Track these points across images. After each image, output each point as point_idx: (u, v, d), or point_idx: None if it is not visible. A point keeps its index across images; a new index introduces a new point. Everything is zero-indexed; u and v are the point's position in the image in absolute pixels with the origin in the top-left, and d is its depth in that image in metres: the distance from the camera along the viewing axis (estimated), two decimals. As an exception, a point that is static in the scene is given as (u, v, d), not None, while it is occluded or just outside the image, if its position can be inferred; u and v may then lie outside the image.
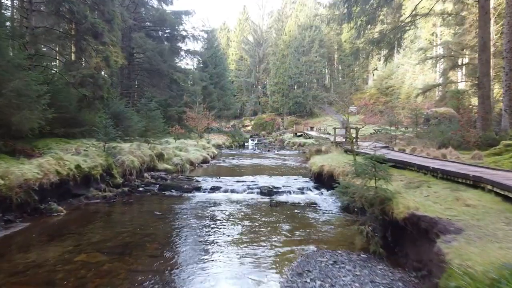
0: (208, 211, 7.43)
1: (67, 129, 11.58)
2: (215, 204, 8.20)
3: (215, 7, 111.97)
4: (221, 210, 7.49)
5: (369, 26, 12.38)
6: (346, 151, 12.49)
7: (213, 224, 6.44)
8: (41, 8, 11.44)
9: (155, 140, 17.04)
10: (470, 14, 22.08)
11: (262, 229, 6.10)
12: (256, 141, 41.75)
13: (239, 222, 6.55)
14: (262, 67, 56.28)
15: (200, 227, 6.23)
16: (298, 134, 36.31)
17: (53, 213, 6.91)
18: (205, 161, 16.54)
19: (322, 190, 9.86)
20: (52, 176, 7.12)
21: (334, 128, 17.92)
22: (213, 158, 19.35)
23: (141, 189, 9.87)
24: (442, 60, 26.31)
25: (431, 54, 33.68)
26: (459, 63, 24.30)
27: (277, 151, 27.33)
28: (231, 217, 6.96)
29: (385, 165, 4.87)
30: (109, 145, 10.26)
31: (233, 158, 19.60)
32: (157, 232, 5.88)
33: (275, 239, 5.53)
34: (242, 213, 7.27)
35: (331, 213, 7.38)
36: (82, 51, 11.77)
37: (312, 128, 36.40)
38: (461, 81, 22.87)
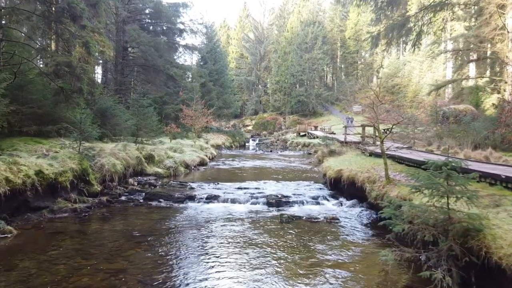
0: (200, 233, 5.77)
1: (40, 127, 9.95)
2: (210, 220, 6.54)
3: (215, 4, 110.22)
4: (217, 233, 5.82)
5: (390, 8, 10.78)
6: (363, 152, 10.84)
7: (205, 256, 4.78)
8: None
9: (148, 140, 15.41)
10: (489, 4, 20.45)
11: (273, 266, 4.45)
12: (257, 141, 40.07)
13: (240, 254, 4.87)
14: (263, 65, 54.64)
15: (187, 261, 4.57)
16: (302, 134, 34.66)
17: (-1, 235, 5.26)
18: (202, 163, 14.90)
19: (341, 199, 8.22)
20: (-2, 186, 5.48)
21: (345, 127, 16.26)
22: (212, 159, 17.71)
23: (123, 198, 8.23)
24: (455, 55, 24.66)
25: (439, 50, 32.02)
26: (476, 58, 22.65)
27: (280, 151, 25.69)
28: (230, 243, 5.27)
29: (465, 178, 3.22)
30: (86, 146, 8.62)
31: (233, 160, 17.95)
32: (129, 268, 4.23)
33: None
34: (245, 236, 5.59)
35: (361, 236, 5.73)
36: (59, 36, 10.14)
37: (316, 128, 34.74)
38: (480, 77, 21.17)
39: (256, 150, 26.93)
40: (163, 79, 25.81)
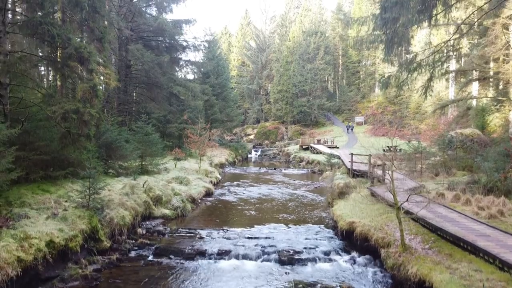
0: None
1: (47, 172, 9.84)
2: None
3: (216, 11, 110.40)
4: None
5: (400, 49, 10.72)
6: (373, 195, 10.73)
7: None
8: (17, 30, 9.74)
9: (153, 167, 15.40)
10: (495, 25, 20.39)
11: None
12: (259, 152, 39.98)
13: None
14: (265, 74, 54.56)
15: None
16: (304, 147, 34.57)
17: (11, 322, 5.16)
18: (208, 193, 14.79)
19: (353, 254, 8.11)
20: (10, 270, 5.38)
21: (351, 154, 16.16)
22: (217, 184, 17.63)
23: (133, 254, 8.13)
24: (459, 76, 24.57)
25: (442, 70, 31.91)
26: (480, 77, 22.58)
27: (284, 169, 25.62)
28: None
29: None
30: (95, 197, 8.51)
31: (238, 185, 17.84)
32: None
33: None
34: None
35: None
36: (66, 79, 10.08)
37: (319, 141, 34.58)
38: (485, 96, 21.04)
39: (260, 168, 26.79)
40: (166, 94, 25.75)
